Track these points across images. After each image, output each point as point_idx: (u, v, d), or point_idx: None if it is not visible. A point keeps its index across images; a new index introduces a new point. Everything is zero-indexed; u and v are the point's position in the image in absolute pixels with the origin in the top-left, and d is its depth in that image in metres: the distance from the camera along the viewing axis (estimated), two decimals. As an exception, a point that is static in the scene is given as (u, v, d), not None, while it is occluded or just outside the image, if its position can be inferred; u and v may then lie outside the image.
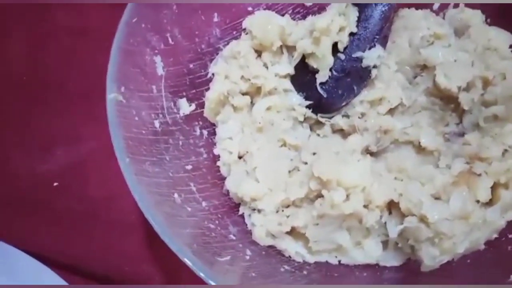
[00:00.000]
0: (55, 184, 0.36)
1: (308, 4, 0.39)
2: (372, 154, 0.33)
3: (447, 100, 0.33)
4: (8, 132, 0.39)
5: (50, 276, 0.33)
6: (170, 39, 0.32)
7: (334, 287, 0.30)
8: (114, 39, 0.31)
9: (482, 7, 0.35)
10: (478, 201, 0.28)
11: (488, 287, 0.29)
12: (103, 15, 0.42)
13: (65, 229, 0.35)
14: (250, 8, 0.37)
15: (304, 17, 0.39)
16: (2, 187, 0.37)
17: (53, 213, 0.36)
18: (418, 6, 0.37)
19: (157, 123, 0.30)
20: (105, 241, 0.34)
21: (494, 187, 0.28)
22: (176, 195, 0.28)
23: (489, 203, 0.28)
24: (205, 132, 0.34)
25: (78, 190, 0.36)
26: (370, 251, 0.30)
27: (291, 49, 0.35)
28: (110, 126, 0.25)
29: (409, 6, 0.37)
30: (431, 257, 0.28)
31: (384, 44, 0.33)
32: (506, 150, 0.29)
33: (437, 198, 0.28)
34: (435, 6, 0.37)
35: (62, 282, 0.32)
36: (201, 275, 0.22)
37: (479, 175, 0.28)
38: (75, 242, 0.34)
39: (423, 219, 0.27)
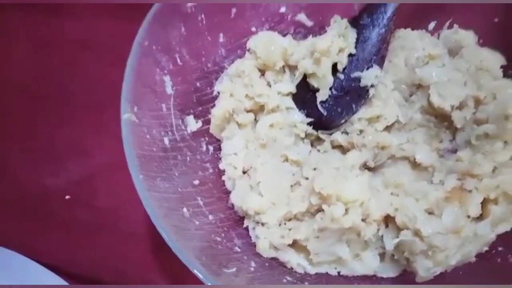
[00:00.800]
0: (67, 197, 0.38)
1: (309, 24, 0.41)
2: (370, 169, 0.35)
3: (441, 118, 0.35)
4: (18, 146, 0.40)
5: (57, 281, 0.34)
6: (178, 60, 0.34)
7: (331, 287, 0.32)
8: (121, 53, 0.33)
9: (475, 28, 0.37)
10: (469, 216, 0.30)
11: (487, 287, 0.30)
12: (109, 28, 0.44)
13: (76, 239, 0.36)
14: (253, 29, 0.39)
15: (305, 36, 0.40)
16: (15, 200, 0.38)
17: (64, 224, 0.37)
18: (414, 27, 0.39)
19: (166, 140, 0.32)
20: (113, 249, 0.36)
21: (484, 203, 0.30)
22: (185, 209, 0.29)
23: (480, 217, 0.30)
24: (211, 148, 0.36)
25: (87, 202, 0.38)
26: (368, 263, 0.32)
27: (293, 68, 0.37)
28: (125, 145, 0.27)
29: (405, 26, 0.39)
30: (425, 269, 0.29)
31: (381, 64, 0.35)
32: (496, 167, 0.30)
33: (430, 213, 0.29)
34: (431, 26, 0.39)
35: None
36: (208, 283, 0.24)
37: (470, 191, 0.29)
38: (85, 251, 0.36)
39: (417, 233, 0.28)
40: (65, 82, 0.41)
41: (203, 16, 0.35)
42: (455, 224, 0.28)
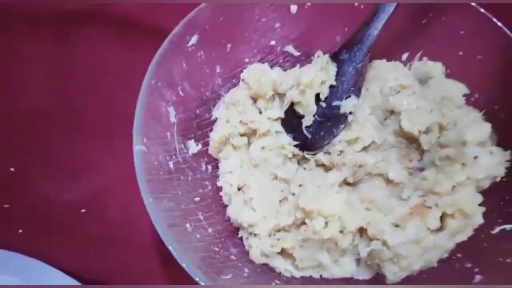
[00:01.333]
0: (83, 210, 0.43)
1: (296, 54, 0.45)
2: (349, 184, 0.40)
3: (411, 140, 0.39)
4: (36, 165, 0.44)
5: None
6: (180, 92, 0.39)
7: (328, 287, 0.37)
8: (130, 80, 0.38)
9: (443, 59, 0.42)
10: (429, 228, 0.35)
11: (482, 287, 0.35)
12: (120, 56, 0.48)
13: (89, 249, 0.40)
14: (246, 60, 0.44)
15: (293, 65, 0.45)
16: (35, 213, 0.43)
17: (79, 236, 0.42)
18: (388, 58, 0.43)
19: (171, 164, 0.37)
20: (123, 259, 0.40)
21: (443, 217, 0.35)
22: (187, 225, 0.34)
23: (440, 229, 0.35)
24: (209, 167, 0.41)
25: (100, 216, 0.42)
26: (346, 267, 0.37)
27: (281, 96, 0.42)
28: (137, 172, 0.32)
29: (381, 57, 0.43)
30: (392, 273, 0.34)
31: (358, 94, 0.40)
32: (454, 186, 0.35)
33: (396, 226, 0.34)
34: (404, 57, 0.44)
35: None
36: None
37: (430, 207, 0.34)
38: (98, 259, 0.40)
39: (385, 243, 0.33)
40: (78, 107, 0.45)
41: (202, 52, 0.40)
42: (417, 236, 0.33)
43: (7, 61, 0.48)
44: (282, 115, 0.41)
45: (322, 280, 0.37)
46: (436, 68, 0.42)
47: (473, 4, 0.38)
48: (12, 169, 0.44)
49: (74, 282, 0.39)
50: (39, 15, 0.51)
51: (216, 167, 0.41)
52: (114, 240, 0.40)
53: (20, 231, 0.42)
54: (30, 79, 0.47)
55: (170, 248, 0.30)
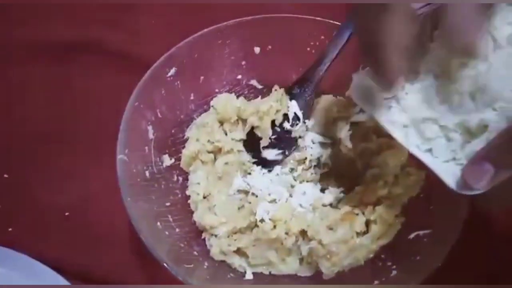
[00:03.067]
0: (67, 214, 0.49)
1: (259, 87, 0.54)
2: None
3: (348, 161, 0.48)
4: (30, 173, 0.50)
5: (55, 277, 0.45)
6: (159, 114, 0.46)
7: (324, 287, 0.42)
8: (116, 101, 0.45)
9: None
10: (357, 232, 0.43)
11: (478, 287, 0.42)
12: (109, 81, 0.55)
13: (74, 245, 0.46)
14: (216, 90, 0.52)
15: (256, 96, 0.53)
16: (25, 214, 0.48)
17: (64, 234, 0.47)
18: (334, 94, 0.52)
19: (147, 173, 0.44)
20: (104, 254, 0.46)
21: (368, 223, 0.43)
22: (158, 223, 0.41)
23: (366, 233, 0.43)
24: (180, 178, 0.48)
25: (84, 217, 0.48)
26: (291, 265, 0.43)
27: (244, 121, 0.49)
28: (119, 177, 0.39)
29: (328, 93, 0.52)
30: (326, 267, 0.41)
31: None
32: (378, 199, 0.44)
33: (330, 228, 0.42)
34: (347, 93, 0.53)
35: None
36: (173, 273, 0.36)
37: (357, 214, 0.43)
38: (81, 255, 0.45)
39: (320, 242, 0.41)
40: (69, 124, 0.51)
41: (178, 82, 0.48)
42: (345, 237, 0.41)
43: (9, 85, 0.55)
44: (244, 137, 0.49)
45: (270, 276, 0.44)
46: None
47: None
48: (6, 176, 0.50)
49: (59, 276, 0.44)
50: (36, 43, 0.58)
51: (186, 179, 0.48)
52: (95, 239, 0.46)
53: (10, 229, 0.47)
54: (30, 99, 0.54)
55: (142, 238, 0.37)
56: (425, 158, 0.34)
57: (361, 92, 0.37)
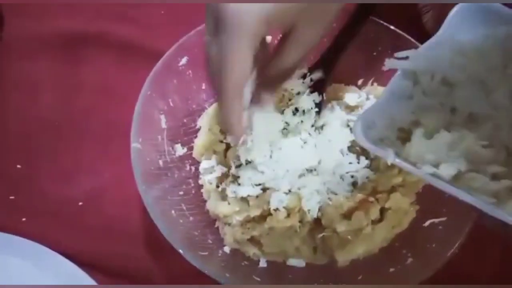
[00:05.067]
0: (80, 203, 0.49)
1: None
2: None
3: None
4: (42, 164, 0.50)
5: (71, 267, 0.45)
6: (171, 103, 0.46)
7: (324, 287, 0.42)
8: (126, 96, 0.46)
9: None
10: (373, 221, 0.42)
11: (478, 287, 0.42)
12: (118, 72, 0.55)
13: (86, 235, 0.46)
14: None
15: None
16: (38, 205, 0.48)
17: (77, 224, 0.47)
18: (346, 83, 0.52)
19: (161, 162, 0.44)
20: (116, 245, 0.46)
21: (383, 211, 0.43)
22: (173, 211, 0.41)
23: (380, 220, 0.43)
24: (193, 168, 0.48)
25: (96, 208, 0.48)
26: (305, 254, 0.43)
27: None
28: (133, 165, 0.39)
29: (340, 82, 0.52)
30: (340, 255, 0.41)
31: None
32: (393, 187, 0.43)
33: (345, 216, 0.42)
34: (359, 82, 0.53)
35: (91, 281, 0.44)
36: (188, 259, 0.36)
37: (372, 202, 0.42)
38: (94, 245, 0.45)
39: (334, 231, 0.41)
40: (81, 118, 0.51)
41: (190, 71, 0.48)
42: (360, 225, 0.41)
43: (19, 77, 0.55)
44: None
45: (283, 264, 0.44)
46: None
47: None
48: (19, 166, 0.50)
49: (71, 264, 0.45)
50: (47, 37, 0.58)
51: (198, 168, 0.48)
52: (109, 228, 0.46)
53: (24, 219, 0.48)
54: (42, 95, 0.54)
55: (157, 225, 0.37)
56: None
57: (369, 134, 0.30)
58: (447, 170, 0.27)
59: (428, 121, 0.29)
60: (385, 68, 0.32)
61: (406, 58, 0.31)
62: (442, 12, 0.47)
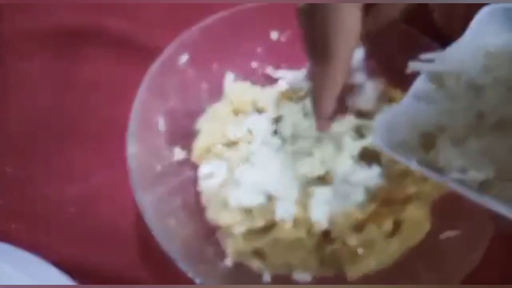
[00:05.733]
0: (72, 209, 0.46)
1: (275, 75, 0.51)
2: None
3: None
4: (33, 167, 0.47)
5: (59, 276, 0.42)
6: (170, 104, 0.43)
7: (325, 287, 0.41)
8: (124, 94, 0.43)
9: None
10: (384, 233, 0.40)
11: (481, 287, 0.39)
12: (114, 70, 0.52)
13: (79, 242, 0.44)
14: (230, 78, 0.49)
15: (271, 84, 0.50)
16: (27, 210, 0.46)
17: (70, 231, 0.45)
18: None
19: (159, 167, 0.41)
20: (110, 251, 0.43)
21: (396, 223, 0.40)
22: (171, 221, 0.38)
23: (393, 233, 0.40)
24: (192, 173, 0.45)
25: (89, 213, 0.46)
26: (311, 266, 0.41)
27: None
28: (131, 172, 0.36)
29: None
30: (351, 270, 0.39)
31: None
32: (407, 197, 0.41)
33: (356, 229, 0.39)
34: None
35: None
36: (189, 275, 0.33)
37: (385, 214, 0.40)
38: (86, 251, 0.43)
39: (345, 243, 0.38)
40: (74, 117, 0.49)
41: (191, 70, 0.45)
42: (372, 237, 0.38)
43: (11, 75, 0.52)
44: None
45: (288, 277, 0.41)
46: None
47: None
48: (8, 169, 0.47)
49: (62, 273, 0.42)
50: (40, 33, 0.55)
51: (197, 173, 0.45)
52: (102, 236, 0.44)
53: (13, 226, 0.45)
54: (39, 94, 0.51)
55: (155, 235, 0.34)
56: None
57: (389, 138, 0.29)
58: (476, 177, 0.25)
59: (455, 126, 0.27)
60: (408, 70, 0.29)
61: (431, 60, 0.29)
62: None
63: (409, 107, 0.29)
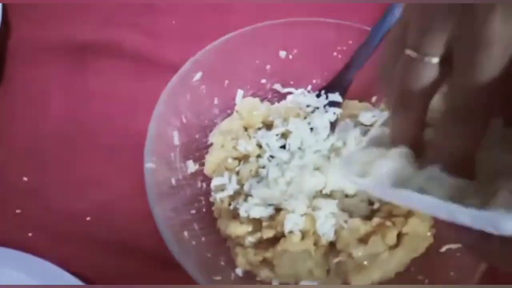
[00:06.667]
0: (88, 218, 0.48)
1: (283, 91, 0.53)
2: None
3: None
4: (51, 177, 0.49)
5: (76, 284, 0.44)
6: (184, 119, 0.45)
7: (326, 287, 0.42)
8: (138, 107, 0.45)
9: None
10: (388, 245, 0.41)
11: (485, 287, 0.41)
12: (130, 85, 0.54)
13: (97, 252, 0.45)
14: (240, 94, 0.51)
15: (279, 100, 0.53)
16: (44, 219, 0.47)
17: (87, 240, 0.47)
18: (360, 100, 0.51)
19: (173, 180, 0.43)
20: (124, 262, 0.45)
21: (399, 235, 0.42)
22: (185, 233, 0.40)
23: (396, 245, 0.42)
24: (204, 185, 0.47)
25: (104, 223, 0.47)
26: (318, 276, 0.43)
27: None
28: (147, 186, 0.38)
29: (354, 99, 0.51)
30: (356, 281, 0.41)
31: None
32: (409, 211, 0.43)
33: (361, 241, 0.41)
34: (373, 99, 0.52)
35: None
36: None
37: (389, 226, 0.41)
38: (105, 263, 0.44)
39: (350, 255, 0.40)
40: (91, 129, 0.50)
41: (204, 86, 0.47)
42: (376, 250, 0.40)
43: (25, 86, 0.53)
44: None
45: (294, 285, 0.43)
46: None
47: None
48: (25, 179, 0.49)
49: (79, 282, 0.44)
50: (54, 44, 0.57)
51: (209, 185, 0.47)
52: (117, 245, 0.45)
53: (30, 234, 0.47)
54: (52, 105, 0.52)
55: (170, 248, 0.36)
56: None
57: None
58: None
59: None
60: None
61: None
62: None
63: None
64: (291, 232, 0.41)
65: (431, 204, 0.21)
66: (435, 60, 0.22)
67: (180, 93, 0.44)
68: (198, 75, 0.46)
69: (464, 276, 0.38)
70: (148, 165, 0.39)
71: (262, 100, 0.50)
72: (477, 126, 0.21)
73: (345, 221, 0.41)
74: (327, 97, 0.47)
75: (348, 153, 0.30)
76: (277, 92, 0.52)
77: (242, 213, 0.43)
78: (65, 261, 0.44)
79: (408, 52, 0.22)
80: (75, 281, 0.44)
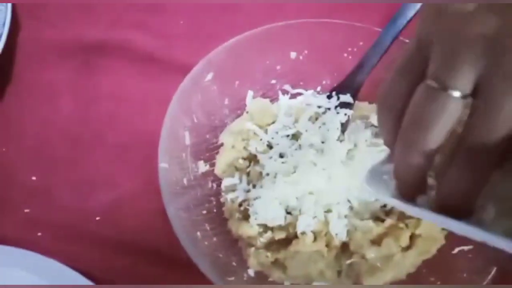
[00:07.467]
0: (97, 218, 0.48)
1: (293, 92, 0.53)
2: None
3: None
4: (61, 178, 0.49)
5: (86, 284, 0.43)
6: (195, 119, 0.45)
7: (338, 286, 0.42)
8: (146, 107, 0.45)
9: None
10: (401, 247, 0.41)
11: (486, 287, 0.40)
12: (139, 85, 0.54)
13: (107, 252, 0.45)
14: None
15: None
16: (53, 218, 0.47)
17: (93, 240, 0.46)
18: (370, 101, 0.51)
19: (185, 180, 0.43)
20: (134, 262, 0.45)
21: (412, 237, 0.42)
22: (198, 233, 0.40)
23: (409, 247, 0.42)
24: (214, 185, 0.46)
25: (113, 223, 0.47)
26: (329, 277, 0.43)
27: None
28: (161, 186, 0.38)
29: (364, 100, 0.51)
30: (368, 282, 0.41)
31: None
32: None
33: (374, 243, 0.41)
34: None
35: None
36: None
37: (402, 228, 0.41)
38: (114, 262, 0.44)
39: (363, 257, 0.40)
40: (101, 128, 0.50)
41: (215, 87, 0.47)
42: (389, 251, 0.40)
43: (34, 85, 0.53)
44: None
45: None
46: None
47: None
48: (34, 178, 0.49)
49: (87, 281, 0.44)
50: (63, 45, 0.56)
51: (219, 185, 0.47)
52: (127, 245, 0.45)
53: (39, 234, 0.46)
54: (61, 105, 0.52)
55: (185, 247, 0.36)
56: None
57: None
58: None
59: None
60: None
61: None
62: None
63: None
64: (303, 233, 0.41)
65: (458, 227, 0.22)
66: (458, 94, 0.21)
67: (191, 93, 0.44)
68: (210, 75, 0.46)
69: (476, 277, 0.38)
70: (162, 165, 0.39)
71: (272, 101, 0.50)
72: (490, 172, 0.21)
73: (358, 223, 0.41)
74: (338, 98, 0.47)
75: (371, 167, 0.29)
76: (287, 92, 0.52)
77: (252, 214, 0.43)
78: (75, 261, 0.44)
79: (430, 82, 0.21)
80: (85, 281, 0.44)
